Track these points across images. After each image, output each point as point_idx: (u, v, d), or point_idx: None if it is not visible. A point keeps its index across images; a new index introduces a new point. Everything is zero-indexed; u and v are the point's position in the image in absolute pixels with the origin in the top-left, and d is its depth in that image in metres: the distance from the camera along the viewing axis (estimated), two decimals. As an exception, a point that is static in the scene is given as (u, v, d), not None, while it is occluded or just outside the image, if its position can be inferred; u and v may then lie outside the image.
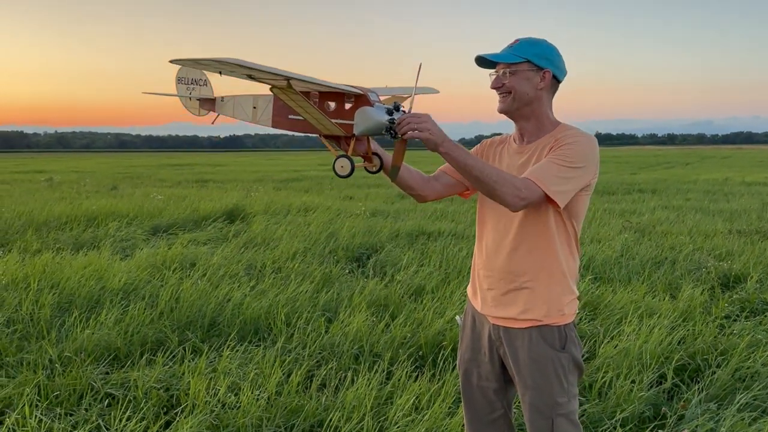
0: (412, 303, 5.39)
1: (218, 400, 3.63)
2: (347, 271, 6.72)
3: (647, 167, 36.46)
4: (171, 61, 2.17)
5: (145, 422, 3.45)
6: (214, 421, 3.45)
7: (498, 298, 2.39)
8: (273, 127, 2.61)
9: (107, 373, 4.15)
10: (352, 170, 2.31)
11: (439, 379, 3.92)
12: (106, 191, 17.72)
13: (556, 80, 2.33)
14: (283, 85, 2.24)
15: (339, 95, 2.42)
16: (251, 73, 2.18)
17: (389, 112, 2.23)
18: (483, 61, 2.33)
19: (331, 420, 3.41)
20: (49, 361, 4.24)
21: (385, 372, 3.98)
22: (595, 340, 4.51)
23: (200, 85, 2.85)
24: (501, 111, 2.34)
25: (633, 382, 3.78)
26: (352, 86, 2.41)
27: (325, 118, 2.34)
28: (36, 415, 3.48)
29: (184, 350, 4.49)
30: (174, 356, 4.36)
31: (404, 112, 2.24)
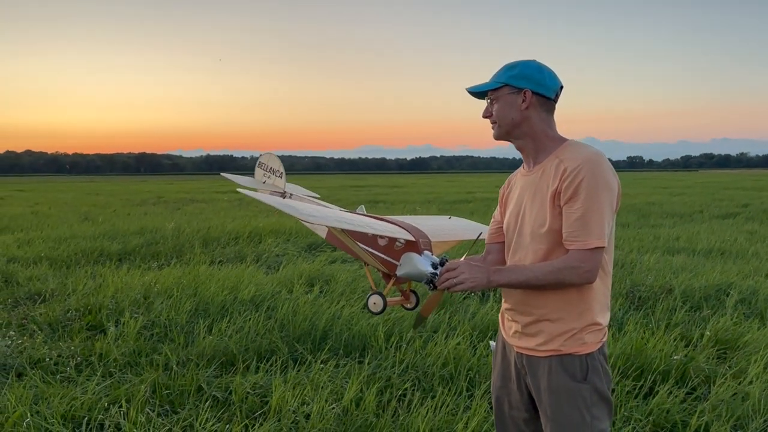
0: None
1: (294, 410, 3.78)
2: (470, 293, 6.63)
3: None
4: (235, 186, 2.36)
5: (229, 425, 3.69)
6: (289, 429, 3.60)
7: (519, 330, 2.30)
8: (326, 239, 2.83)
9: (218, 376, 4.48)
10: (384, 308, 2.42)
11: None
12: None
13: (544, 97, 2.20)
14: (339, 230, 2.41)
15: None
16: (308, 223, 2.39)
17: (434, 266, 2.26)
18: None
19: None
20: (177, 364, 4.67)
21: (464, 396, 3.90)
22: (710, 383, 4.04)
23: (276, 176, 3.14)
24: (495, 138, 2.29)
25: (737, 429, 3.34)
26: (408, 230, 2.52)
27: (371, 258, 2.47)
28: (146, 411, 3.87)
29: (293, 360, 4.73)
30: (282, 365, 4.59)
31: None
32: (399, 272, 2.37)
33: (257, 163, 3.23)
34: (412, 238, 2.48)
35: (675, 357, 4.23)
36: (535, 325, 2.23)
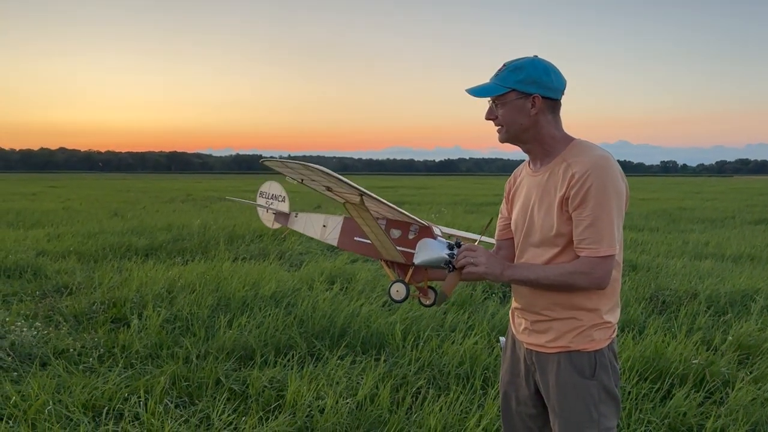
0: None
1: (309, 404, 3.82)
2: (491, 293, 6.62)
3: None
4: (262, 161, 2.33)
5: (245, 417, 3.73)
6: (303, 422, 3.64)
7: (529, 327, 2.31)
8: (338, 246, 2.80)
9: (236, 370, 4.54)
10: (407, 295, 2.41)
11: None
12: (309, 209, 19.17)
13: (552, 100, 2.18)
14: (356, 201, 2.38)
15: (405, 224, 2.53)
16: (330, 184, 2.34)
17: (450, 247, 2.27)
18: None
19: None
20: (197, 357, 4.74)
21: (478, 394, 3.90)
22: (729, 387, 3.98)
23: (279, 201, 3.15)
24: (501, 141, 2.26)
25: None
26: (419, 219, 2.51)
27: (389, 242, 2.45)
28: (165, 402, 3.94)
29: (310, 356, 4.77)
30: (299, 360, 4.63)
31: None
32: (417, 259, 2.37)
33: (258, 192, 3.24)
34: (426, 224, 2.49)
35: (694, 361, 4.18)
36: (545, 323, 2.24)
